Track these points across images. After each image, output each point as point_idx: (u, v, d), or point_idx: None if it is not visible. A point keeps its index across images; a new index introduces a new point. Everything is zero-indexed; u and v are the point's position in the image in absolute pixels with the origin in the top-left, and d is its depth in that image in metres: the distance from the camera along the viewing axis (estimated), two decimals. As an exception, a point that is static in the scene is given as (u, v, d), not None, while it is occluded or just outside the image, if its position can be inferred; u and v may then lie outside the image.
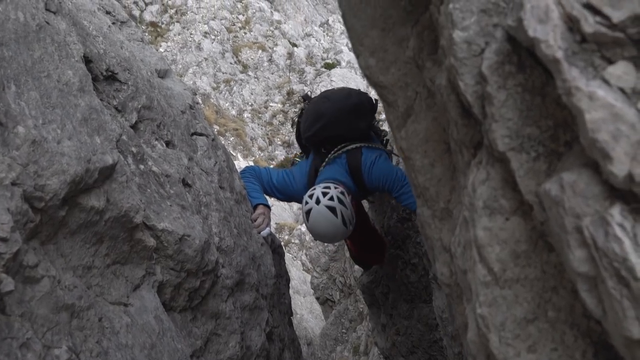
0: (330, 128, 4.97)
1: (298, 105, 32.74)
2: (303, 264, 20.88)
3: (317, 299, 12.78)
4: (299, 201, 4.94)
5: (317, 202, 4.47)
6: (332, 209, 4.46)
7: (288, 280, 5.88)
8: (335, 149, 4.97)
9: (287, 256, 17.02)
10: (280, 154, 30.30)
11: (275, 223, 23.95)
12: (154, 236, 2.88)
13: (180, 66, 33.11)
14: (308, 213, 4.53)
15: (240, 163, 27.30)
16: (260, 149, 30.45)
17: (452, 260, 1.57)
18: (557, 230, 0.96)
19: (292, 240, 23.56)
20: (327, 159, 4.98)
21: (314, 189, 4.62)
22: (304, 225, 27.49)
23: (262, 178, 5.14)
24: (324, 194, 4.50)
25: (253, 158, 29.17)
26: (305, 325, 13.88)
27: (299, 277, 17.72)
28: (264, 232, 4.67)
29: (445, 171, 1.66)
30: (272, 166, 29.19)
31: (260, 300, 4.27)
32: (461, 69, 1.21)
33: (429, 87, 1.64)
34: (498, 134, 1.13)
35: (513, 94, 1.12)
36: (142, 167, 3.07)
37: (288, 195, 5.21)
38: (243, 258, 4.03)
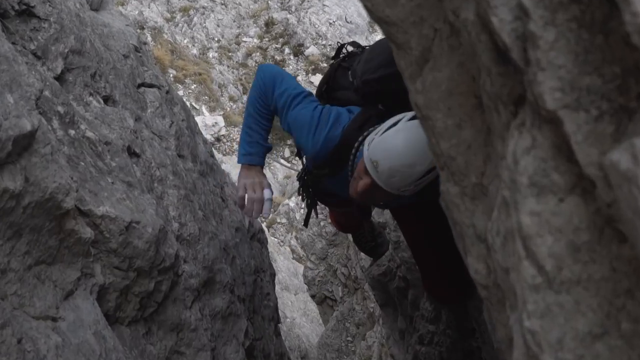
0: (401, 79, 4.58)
1: (280, 40, 32.72)
2: (293, 251, 20.93)
3: (313, 297, 12.82)
4: (309, 152, 4.53)
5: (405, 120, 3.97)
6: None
7: (273, 274, 5.91)
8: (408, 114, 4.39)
9: (271, 241, 17.06)
10: (259, 106, 30.28)
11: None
12: (92, 225, 2.87)
13: (120, -9, 32.97)
14: (394, 124, 3.98)
15: (206, 118, 27.30)
16: (231, 99, 30.47)
17: (489, 253, 1.56)
18: (629, 214, 0.95)
19: (278, 220, 23.61)
20: (398, 119, 4.26)
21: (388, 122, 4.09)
22: (292, 200, 27.43)
23: (282, 87, 4.60)
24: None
25: (222, 112, 29.18)
26: (298, 333, 13.95)
27: (288, 268, 17.80)
28: (265, 211, 4.41)
29: (476, 134, 1.65)
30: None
31: (236, 305, 4.28)
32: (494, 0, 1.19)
33: (452, 23, 1.61)
34: (546, 87, 1.11)
35: (565, 32, 1.10)
36: (72, 132, 3.05)
37: (299, 138, 4.58)
38: (212, 249, 4.04)
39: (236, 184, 4.39)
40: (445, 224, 5.31)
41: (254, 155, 4.55)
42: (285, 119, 4.48)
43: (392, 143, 3.88)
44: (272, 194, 4.40)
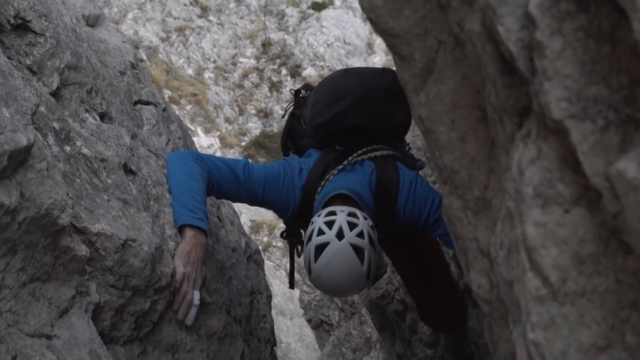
0: (356, 113, 4.34)
1: (277, 61, 32.73)
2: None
3: (309, 321, 12.81)
4: (281, 212, 4.49)
5: (340, 235, 3.77)
6: (358, 251, 3.77)
7: (269, 297, 5.90)
8: (361, 151, 4.38)
9: (267, 265, 17.03)
10: (255, 127, 30.35)
11: (250, 221, 23.95)
12: (87, 242, 2.87)
13: (115, 10, 33.08)
14: (320, 249, 3.81)
15: (201, 140, 27.30)
16: (227, 120, 30.49)
17: (492, 267, 1.57)
18: (636, 224, 0.96)
19: (274, 243, 23.60)
20: (345, 162, 4.32)
21: (332, 211, 3.95)
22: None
23: (224, 166, 4.26)
24: (351, 225, 3.81)
25: (218, 133, 29.21)
26: (294, 358, 13.92)
27: (284, 292, 17.78)
28: (190, 316, 3.64)
29: (480, 148, 1.65)
30: (244, 144, 29.21)
31: (232, 326, 4.28)
32: (501, 9, 1.20)
33: (456, 35, 1.62)
34: (553, 96, 1.12)
35: (572, 42, 1.11)
36: (68, 149, 3.06)
37: (271, 201, 4.41)
38: (208, 269, 4.04)
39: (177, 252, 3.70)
40: (420, 252, 5.24)
41: (204, 220, 3.95)
42: (256, 188, 4.28)
43: (322, 276, 3.84)
44: (199, 299, 3.69)
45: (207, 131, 28.91)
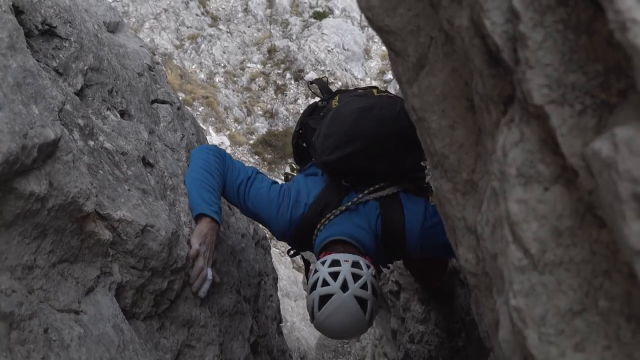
0: (367, 157, 3.99)
1: (282, 66, 32.70)
2: (293, 261, 20.87)
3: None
4: (274, 232, 4.17)
5: (345, 288, 3.59)
6: (362, 303, 3.60)
7: (275, 278, 5.90)
8: (367, 191, 4.09)
9: (273, 252, 17.00)
10: (262, 127, 30.31)
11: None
12: (110, 228, 2.87)
13: (133, 20, 33.03)
14: (324, 300, 3.63)
15: (212, 138, 27.27)
16: (236, 120, 30.45)
17: (478, 243, 1.57)
18: (610, 199, 0.96)
19: (279, 232, 23.53)
20: (350, 204, 4.04)
21: (336, 260, 3.72)
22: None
23: (235, 171, 4.17)
24: (355, 277, 3.62)
25: (228, 132, 29.17)
26: (298, 335, 13.90)
27: (289, 276, 17.73)
28: (203, 289, 3.64)
29: (468, 134, 1.65)
30: (251, 142, 29.20)
31: (242, 304, 4.28)
32: (487, 4, 1.20)
33: (446, 31, 1.62)
34: (534, 84, 1.12)
35: (552, 33, 1.11)
36: (91, 143, 3.06)
37: (262, 217, 4.17)
38: (220, 253, 4.04)
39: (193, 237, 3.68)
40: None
41: (218, 214, 3.90)
42: (247, 200, 4.11)
43: (326, 324, 3.65)
44: (212, 276, 3.69)
45: (218, 130, 28.88)
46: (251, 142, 29.28)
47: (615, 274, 1.10)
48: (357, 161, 3.97)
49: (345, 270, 3.60)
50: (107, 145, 3.19)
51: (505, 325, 1.25)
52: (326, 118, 4.21)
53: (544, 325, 1.12)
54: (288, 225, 4.05)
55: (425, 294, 5.86)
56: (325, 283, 3.60)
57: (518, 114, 1.22)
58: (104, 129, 3.29)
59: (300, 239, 4.12)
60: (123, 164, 3.27)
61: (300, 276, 17.50)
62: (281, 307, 5.90)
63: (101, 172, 3.01)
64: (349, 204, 3.99)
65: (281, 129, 29.72)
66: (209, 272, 3.64)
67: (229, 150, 27.57)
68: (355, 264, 3.65)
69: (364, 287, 3.57)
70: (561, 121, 1.10)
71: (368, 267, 3.67)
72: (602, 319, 1.10)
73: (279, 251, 20.99)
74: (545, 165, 1.17)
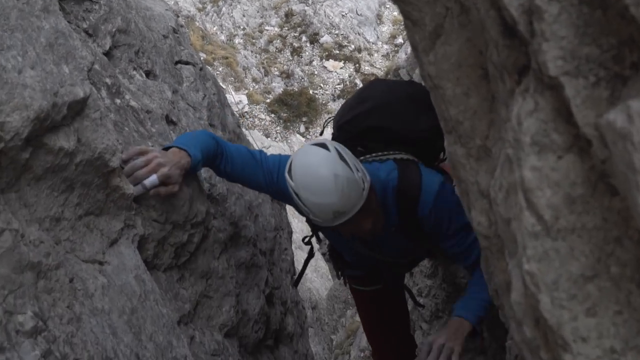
0: (377, 114, 3.86)
1: (298, 29, 32.61)
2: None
3: (324, 255, 12.80)
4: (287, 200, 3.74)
5: (318, 146, 3.32)
6: (321, 145, 3.31)
7: (290, 232, 5.90)
8: (383, 153, 3.84)
9: (288, 207, 17.02)
10: (278, 86, 30.23)
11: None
12: (134, 182, 2.88)
13: (159, -17, 32.85)
14: (290, 169, 3.34)
15: (232, 97, 27.24)
16: (254, 80, 30.37)
17: (491, 207, 1.56)
18: (623, 169, 0.94)
19: (293, 187, 23.58)
20: (364, 157, 3.81)
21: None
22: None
23: (234, 147, 3.73)
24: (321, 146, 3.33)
25: (246, 91, 29.13)
26: (310, 286, 13.96)
27: (302, 229, 17.76)
28: (148, 182, 2.98)
29: (482, 102, 1.64)
30: (268, 101, 29.20)
31: (258, 257, 4.29)
32: (505, -24, 1.18)
33: (462, 2, 1.60)
34: (549, 56, 1.10)
35: (567, 7, 1.09)
36: (118, 101, 3.05)
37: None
38: (238, 207, 4.04)
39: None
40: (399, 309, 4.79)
41: (198, 159, 3.32)
42: (269, 169, 3.67)
43: (304, 183, 3.25)
44: (156, 183, 3.00)
45: (236, 89, 28.84)
46: (268, 100, 29.24)
47: (627, 241, 1.08)
48: (369, 119, 3.87)
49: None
50: (133, 103, 3.18)
51: (518, 287, 1.24)
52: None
53: (556, 290, 1.11)
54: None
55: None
56: (289, 171, 3.31)
57: (533, 84, 1.20)
58: (130, 88, 3.28)
59: None
60: (147, 122, 3.26)
61: (313, 230, 17.56)
62: (294, 259, 5.88)
63: (126, 129, 3.00)
64: (364, 157, 3.75)
65: (296, 89, 29.66)
66: (151, 178, 2.97)
67: (246, 109, 27.56)
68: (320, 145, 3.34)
69: (322, 145, 3.30)
70: (575, 92, 1.08)
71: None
72: (613, 284, 1.09)
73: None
74: (559, 134, 1.15)
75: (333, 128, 4.16)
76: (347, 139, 3.84)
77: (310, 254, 4.54)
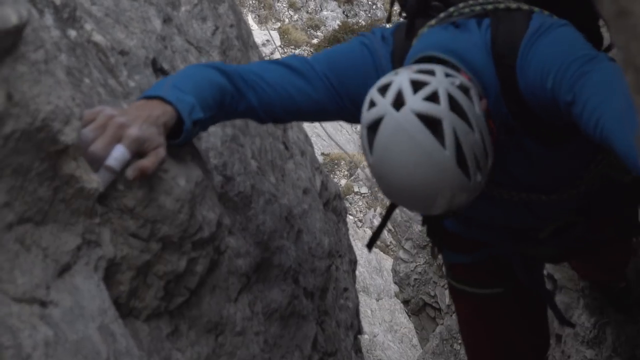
0: None
1: None
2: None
3: (406, 303, 12.79)
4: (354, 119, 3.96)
5: (398, 103, 3.35)
6: (430, 122, 3.31)
7: (354, 262, 5.89)
8: (466, 4, 3.90)
9: (348, 219, 16.92)
10: (333, 16, 30.26)
11: (322, 154, 23.85)
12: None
13: None
14: (374, 130, 3.43)
15: (253, 34, 27.27)
16: (292, 5, 30.43)
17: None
18: None
19: (355, 189, 23.60)
20: (446, 13, 3.91)
21: (395, 72, 3.53)
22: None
23: (259, 72, 3.79)
24: (416, 85, 3.37)
25: (278, 24, 29.18)
26: (381, 356, 14.00)
27: (369, 260, 17.80)
28: (113, 159, 2.92)
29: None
30: (315, 41, 29.18)
31: (301, 301, 4.30)
32: None
33: None
34: None
35: None
36: (73, 34, 3.06)
37: (354, 91, 3.95)
38: (269, 217, 4.05)
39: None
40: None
41: (187, 105, 3.29)
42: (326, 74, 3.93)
43: (385, 171, 3.47)
44: (127, 156, 2.96)
45: (261, 21, 28.88)
46: (315, 41, 29.27)
47: None
48: None
49: (399, 78, 3.44)
50: (97, 38, 3.20)
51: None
52: None
53: None
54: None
55: (597, 299, 5.82)
56: (372, 104, 3.46)
57: None
58: (93, 11, 3.30)
59: None
60: (122, 70, 3.28)
61: (387, 261, 17.50)
62: (359, 307, 5.86)
63: (87, 80, 3.01)
64: (446, 13, 3.93)
65: (363, 22, 29.67)
66: (116, 152, 2.94)
67: (276, 55, 27.55)
68: (423, 70, 3.48)
69: (432, 97, 3.35)
70: None
71: (450, 76, 3.48)
72: None
73: (353, 219, 21.09)
74: None
75: None
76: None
77: (392, 206, 4.61)
